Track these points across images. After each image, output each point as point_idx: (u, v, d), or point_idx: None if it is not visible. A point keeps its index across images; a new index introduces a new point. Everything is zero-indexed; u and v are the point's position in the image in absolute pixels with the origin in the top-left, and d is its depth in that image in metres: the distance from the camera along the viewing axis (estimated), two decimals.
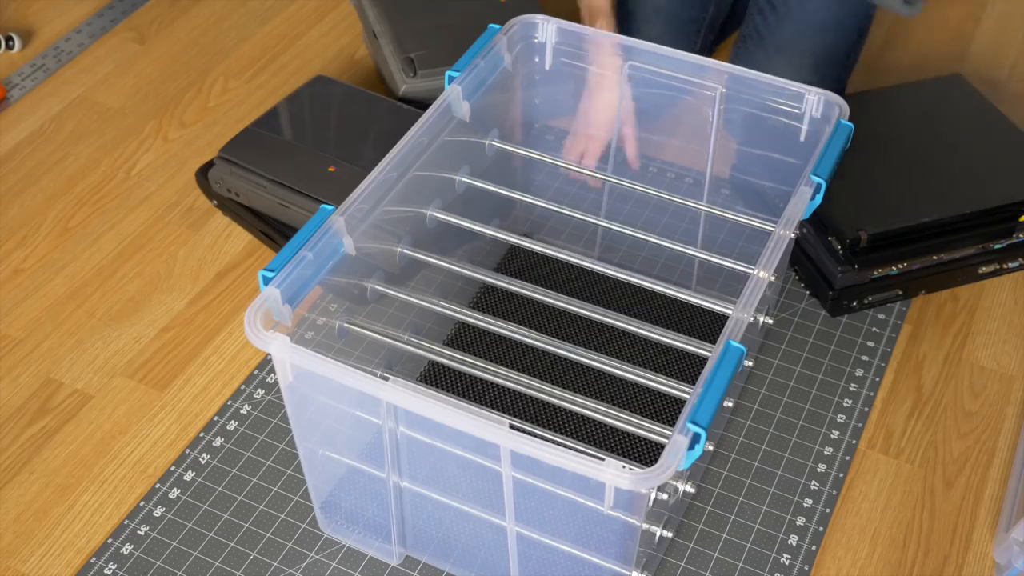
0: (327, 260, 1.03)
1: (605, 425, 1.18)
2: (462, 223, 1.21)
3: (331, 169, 1.37)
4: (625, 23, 1.49)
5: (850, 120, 1.13)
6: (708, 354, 0.95)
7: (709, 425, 0.88)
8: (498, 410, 1.16)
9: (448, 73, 1.18)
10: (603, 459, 0.86)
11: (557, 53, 1.28)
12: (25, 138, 1.57)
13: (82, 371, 1.29)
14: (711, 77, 1.21)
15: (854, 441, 1.22)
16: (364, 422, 0.99)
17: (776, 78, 1.19)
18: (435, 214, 1.20)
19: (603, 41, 1.25)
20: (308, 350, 0.93)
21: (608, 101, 1.29)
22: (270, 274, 0.97)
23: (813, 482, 1.19)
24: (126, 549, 1.13)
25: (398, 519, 1.07)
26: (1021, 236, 1.34)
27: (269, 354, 0.96)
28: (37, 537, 1.14)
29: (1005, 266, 1.36)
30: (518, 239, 1.22)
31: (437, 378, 1.23)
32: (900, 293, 1.33)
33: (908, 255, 1.31)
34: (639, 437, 1.17)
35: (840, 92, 1.47)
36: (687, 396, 0.92)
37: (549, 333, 1.22)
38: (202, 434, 1.22)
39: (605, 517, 0.92)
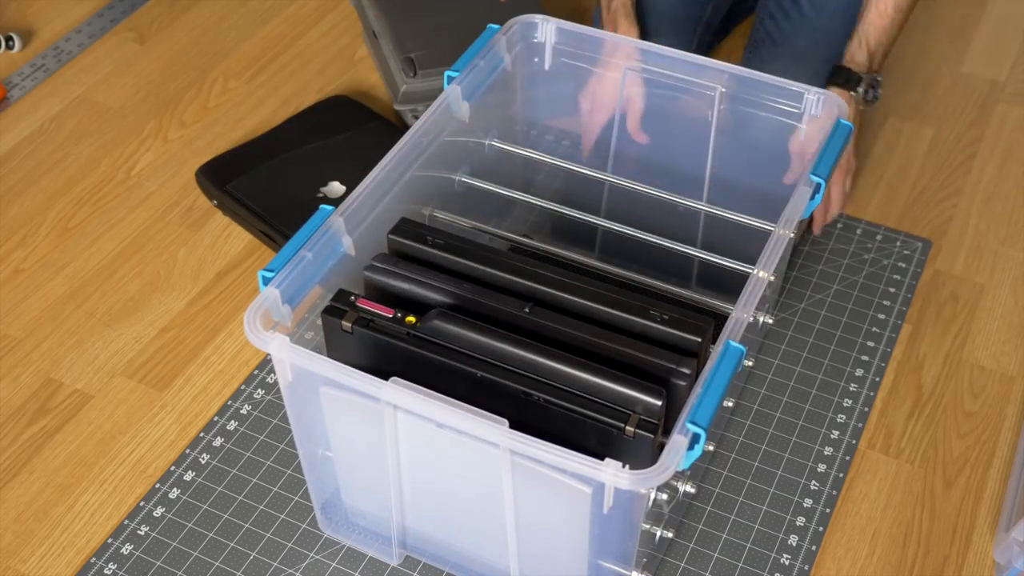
0: (327, 260, 1.03)
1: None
2: (462, 223, 1.21)
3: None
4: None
5: None
6: None
7: (709, 425, 0.88)
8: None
9: (447, 73, 1.18)
10: (603, 459, 0.86)
11: (557, 53, 1.27)
12: (25, 138, 1.57)
13: (82, 371, 1.29)
14: (710, 77, 1.21)
15: (854, 441, 1.22)
16: (364, 422, 0.99)
17: (775, 78, 1.19)
18: (435, 214, 1.20)
19: (620, 44, 1.25)
20: (308, 350, 0.93)
21: (609, 85, 1.29)
22: (270, 274, 0.97)
23: (813, 482, 1.19)
24: (126, 549, 1.13)
25: (398, 519, 1.07)
26: None
27: (269, 354, 0.96)
28: (37, 537, 1.14)
29: None
30: (518, 239, 1.22)
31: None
32: None
33: None
34: None
35: None
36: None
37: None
38: (202, 434, 1.22)
39: (605, 517, 0.92)
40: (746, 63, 1.50)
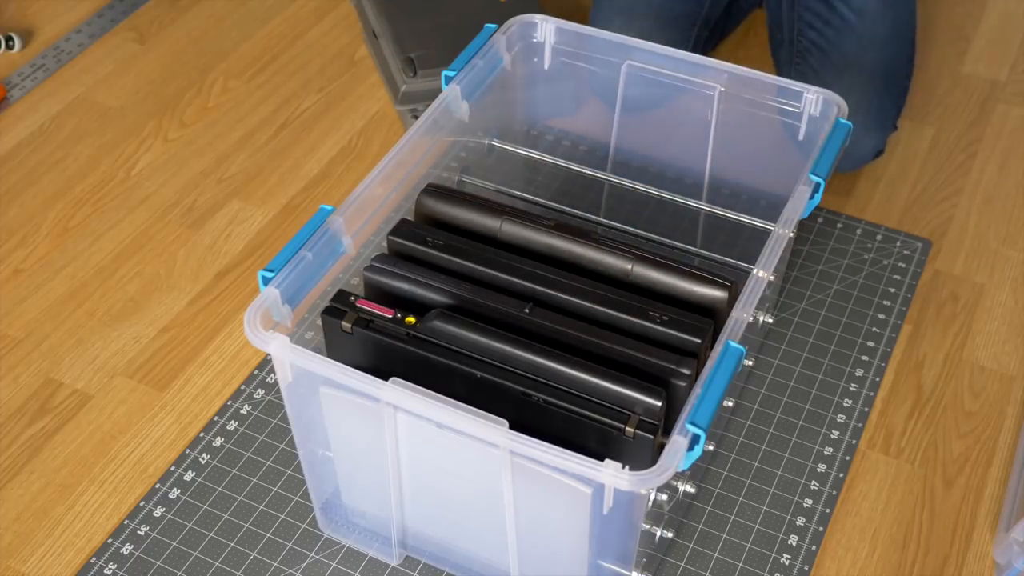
0: (327, 260, 1.03)
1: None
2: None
3: None
4: (619, 18, 1.49)
5: None
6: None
7: (709, 426, 0.88)
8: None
9: (444, 73, 1.18)
10: (603, 459, 0.86)
11: (556, 53, 1.27)
12: (25, 138, 1.58)
13: (82, 371, 1.29)
14: (710, 76, 1.21)
15: (854, 441, 1.22)
16: (364, 422, 0.99)
17: (775, 77, 1.19)
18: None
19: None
20: (308, 350, 0.93)
21: None
22: (270, 274, 0.97)
23: (813, 482, 1.19)
24: (126, 549, 1.13)
25: (398, 519, 1.07)
26: None
27: (269, 354, 0.96)
28: (37, 537, 1.14)
29: None
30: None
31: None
32: None
33: None
34: None
35: (903, 103, 1.47)
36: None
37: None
38: (202, 434, 1.22)
39: (605, 517, 0.92)
40: (798, 76, 1.48)
